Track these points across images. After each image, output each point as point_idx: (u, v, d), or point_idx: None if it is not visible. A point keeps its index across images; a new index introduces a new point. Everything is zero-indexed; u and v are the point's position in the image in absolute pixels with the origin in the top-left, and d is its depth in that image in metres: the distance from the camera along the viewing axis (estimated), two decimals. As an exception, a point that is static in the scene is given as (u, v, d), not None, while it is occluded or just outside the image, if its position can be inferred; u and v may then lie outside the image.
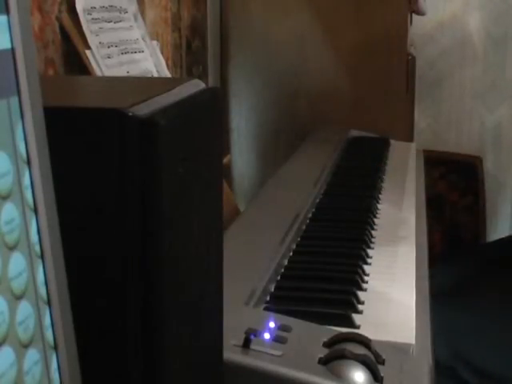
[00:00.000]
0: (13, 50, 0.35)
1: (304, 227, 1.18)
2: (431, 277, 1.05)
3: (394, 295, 0.94)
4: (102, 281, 0.46)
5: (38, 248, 0.37)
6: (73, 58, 1.13)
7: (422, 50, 2.45)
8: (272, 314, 0.78)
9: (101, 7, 1.18)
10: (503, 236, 2.55)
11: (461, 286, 1.76)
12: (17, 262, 0.35)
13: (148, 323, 0.46)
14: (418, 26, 2.35)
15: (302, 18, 2.00)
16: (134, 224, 0.45)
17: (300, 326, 0.77)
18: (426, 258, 1.15)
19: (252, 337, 0.70)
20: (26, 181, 0.36)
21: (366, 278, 0.99)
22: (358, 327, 0.83)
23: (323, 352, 0.72)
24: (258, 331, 0.72)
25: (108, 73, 1.13)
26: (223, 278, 0.61)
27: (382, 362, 0.73)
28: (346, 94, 2.00)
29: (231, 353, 0.68)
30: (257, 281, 0.90)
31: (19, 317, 0.35)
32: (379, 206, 1.34)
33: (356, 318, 0.85)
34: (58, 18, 1.12)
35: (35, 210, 0.37)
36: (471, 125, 2.62)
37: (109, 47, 1.17)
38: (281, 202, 1.29)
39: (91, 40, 1.12)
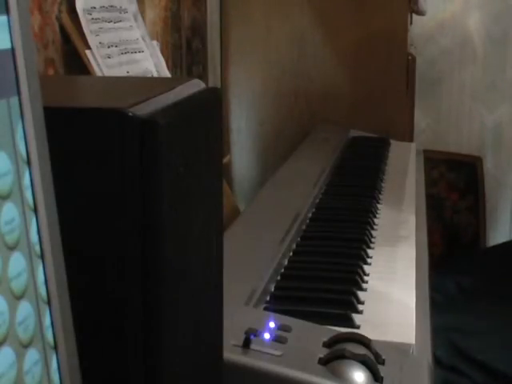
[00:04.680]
0: (13, 50, 0.35)
1: (304, 227, 1.18)
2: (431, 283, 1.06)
3: (394, 295, 0.94)
4: (102, 281, 0.46)
5: (38, 248, 0.37)
6: (73, 58, 1.13)
7: (422, 49, 2.45)
8: (272, 314, 0.78)
9: (101, 7, 1.18)
10: (503, 235, 2.56)
11: (460, 292, 1.76)
12: (17, 262, 0.35)
13: (148, 323, 0.46)
14: (418, 25, 2.35)
15: (302, 18, 2.00)
16: (134, 224, 0.45)
17: (300, 326, 0.77)
18: (426, 258, 1.15)
19: (252, 337, 0.70)
20: (26, 181, 0.36)
21: (365, 277, 0.99)
22: (358, 327, 0.83)
23: (323, 352, 0.72)
24: (258, 331, 0.72)
25: (108, 73, 1.13)
26: (223, 278, 0.61)
27: (382, 362, 0.73)
28: (345, 94, 2.00)
29: (231, 353, 0.68)
30: (257, 281, 0.90)
31: (19, 317, 0.35)
32: (379, 206, 1.34)
33: (356, 317, 0.85)
34: (58, 18, 1.12)
35: (35, 210, 0.37)
36: (471, 125, 2.62)
37: (109, 47, 1.16)
38: (281, 201, 1.29)
39: (91, 40, 1.12)
